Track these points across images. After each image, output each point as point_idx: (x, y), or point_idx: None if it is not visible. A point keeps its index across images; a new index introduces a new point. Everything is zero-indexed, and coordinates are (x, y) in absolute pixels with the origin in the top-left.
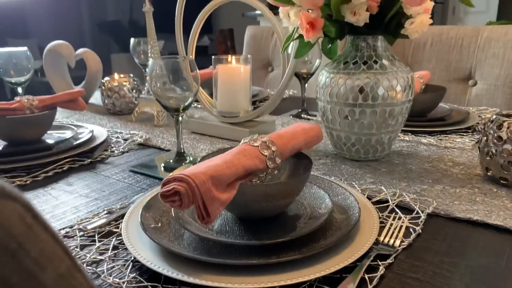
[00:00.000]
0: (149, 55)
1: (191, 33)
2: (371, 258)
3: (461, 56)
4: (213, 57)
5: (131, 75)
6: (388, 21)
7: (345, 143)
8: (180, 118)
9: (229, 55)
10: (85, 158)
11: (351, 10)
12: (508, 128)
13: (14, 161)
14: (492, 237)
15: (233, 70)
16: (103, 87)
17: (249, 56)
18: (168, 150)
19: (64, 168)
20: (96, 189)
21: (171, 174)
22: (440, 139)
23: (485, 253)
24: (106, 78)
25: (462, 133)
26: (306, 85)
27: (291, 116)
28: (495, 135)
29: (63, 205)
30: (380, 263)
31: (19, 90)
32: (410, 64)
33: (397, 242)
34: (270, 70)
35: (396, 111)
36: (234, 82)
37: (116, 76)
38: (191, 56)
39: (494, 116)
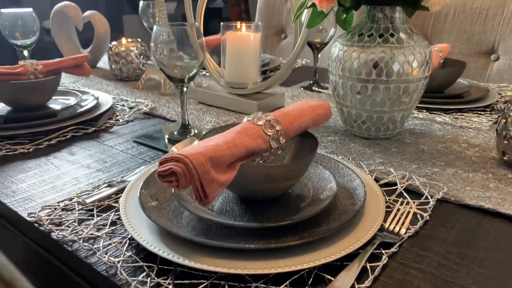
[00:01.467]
0: (156, 19)
1: (196, 14)
2: (375, 245)
3: (485, 28)
4: (221, 23)
5: (139, 39)
6: None
7: (356, 120)
8: (185, 89)
9: (239, 22)
10: (89, 126)
11: None
12: None
13: (17, 127)
14: (504, 227)
15: (243, 38)
16: (110, 52)
17: (259, 23)
18: (174, 121)
19: (68, 136)
20: (98, 160)
21: (170, 151)
22: (456, 118)
23: (495, 245)
24: (114, 43)
25: (479, 112)
26: (320, 55)
27: (302, 88)
28: None
29: (64, 175)
30: (383, 251)
31: (25, 53)
32: (430, 35)
33: (403, 230)
34: (283, 37)
35: (411, 88)
36: (243, 51)
37: (123, 40)
38: (197, 23)
39: None
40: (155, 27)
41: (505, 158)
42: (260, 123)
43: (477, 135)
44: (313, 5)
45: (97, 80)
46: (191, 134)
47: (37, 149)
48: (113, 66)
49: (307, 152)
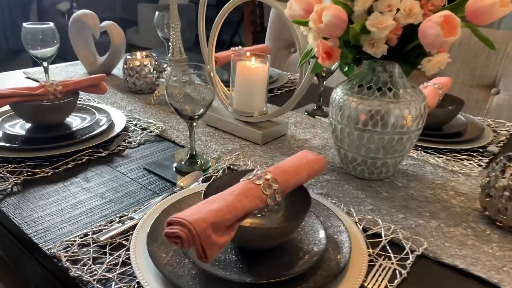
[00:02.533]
0: (168, 51)
1: (209, 43)
2: None
3: (488, 62)
4: (232, 55)
5: (153, 54)
6: (406, 52)
7: (351, 162)
8: (195, 124)
9: (249, 53)
10: (103, 149)
11: (369, 41)
12: (511, 175)
13: (36, 149)
14: None
15: (251, 71)
16: (125, 66)
17: (268, 56)
18: (183, 146)
19: (83, 160)
20: (111, 189)
21: (177, 185)
22: (448, 160)
23: None
24: (128, 57)
25: (472, 153)
26: (325, 82)
27: (305, 113)
28: (497, 180)
29: (80, 205)
30: None
31: (45, 64)
32: None
33: None
34: (293, 51)
35: (404, 139)
36: (251, 82)
37: (138, 55)
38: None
39: (500, 158)
40: (169, 69)
41: (486, 213)
42: (259, 182)
43: (465, 181)
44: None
45: (111, 93)
46: (197, 165)
47: (55, 173)
48: (127, 79)
49: (300, 210)
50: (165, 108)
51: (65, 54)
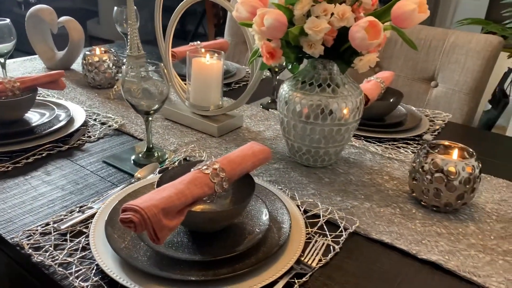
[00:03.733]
0: (127, 46)
1: (166, 39)
2: (290, 275)
3: (428, 57)
4: (187, 53)
5: (112, 49)
6: (342, 52)
7: (297, 151)
8: (151, 119)
9: (204, 50)
10: (63, 144)
11: (308, 43)
12: (432, 160)
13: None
14: (396, 260)
15: (206, 67)
16: (84, 61)
17: (222, 52)
18: (141, 140)
19: (43, 155)
20: (71, 181)
21: (135, 177)
22: (386, 148)
23: (384, 277)
24: (87, 52)
25: (410, 141)
26: (278, 76)
27: (261, 106)
28: (422, 164)
29: (41, 197)
30: (296, 281)
31: (1, 60)
32: (382, 59)
33: (315, 262)
34: None
35: (343, 130)
36: (206, 77)
37: (97, 50)
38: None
39: (425, 145)
40: (124, 67)
41: (413, 194)
42: (207, 171)
43: (400, 167)
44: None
45: (71, 88)
46: (155, 157)
47: (16, 167)
48: (87, 74)
49: (245, 194)
50: (123, 103)
51: (22, 46)
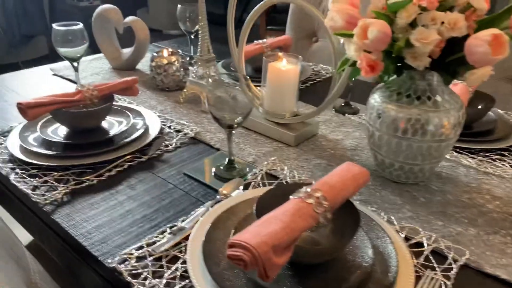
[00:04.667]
0: (191, 43)
1: (239, 48)
2: None
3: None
4: (264, 58)
5: (180, 51)
6: (447, 62)
7: (388, 167)
8: (234, 132)
9: (280, 54)
10: (142, 155)
11: (412, 54)
12: None
13: (81, 156)
14: None
15: (283, 72)
16: (153, 63)
17: (300, 57)
18: (217, 149)
19: (125, 167)
20: (156, 197)
21: (220, 193)
22: (480, 161)
23: None
24: (155, 54)
25: (504, 152)
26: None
27: (333, 110)
28: None
29: (129, 215)
30: None
31: (75, 64)
32: None
33: None
34: (315, 40)
35: (442, 146)
36: (282, 84)
37: (165, 52)
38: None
39: None
40: (210, 82)
41: None
42: (310, 201)
43: (500, 183)
44: (354, 64)
45: (140, 90)
46: (236, 170)
47: (100, 180)
48: (155, 77)
49: (347, 220)
50: (194, 108)
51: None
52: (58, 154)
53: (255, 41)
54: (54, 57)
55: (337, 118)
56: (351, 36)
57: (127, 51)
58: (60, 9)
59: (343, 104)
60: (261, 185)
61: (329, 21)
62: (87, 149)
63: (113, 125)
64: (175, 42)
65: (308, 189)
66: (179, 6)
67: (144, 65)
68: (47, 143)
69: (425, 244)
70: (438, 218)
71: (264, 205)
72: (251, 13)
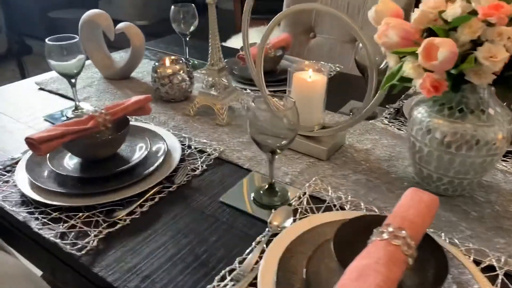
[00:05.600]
0: (209, 60)
1: (256, 66)
2: None
3: None
4: (288, 69)
5: (182, 59)
6: (506, 76)
7: (435, 181)
8: (276, 157)
9: (306, 64)
10: (169, 183)
11: (476, 72)
12: None
13: (107, 192)
14: None
15: (309, 84)
16: (156, 74)
17: (329, 65)
18: (248, 170)
19: (156, 200)
20: (199, 233)
21: (269, 225)
22: None
23: None
24: (157, 64)
25: None
26: None
27: (351, 114)
28: None
29: (178, 260)
30: None
31: (72, 80)
32: None
33: None
34: (312, 36)
35: (495, 159)
36: (309, 96)
37: (167, 61)
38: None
39: None
40: (252, 105)
41: None
42: (397, 243)
43: None
44: (403, 79)
45: None
46: (277, 196)
47: (133, 219)
48: (159, 88)
49: (427, 255)
50: (208, 121)
51: None
52: (82, 192)
53: (256, 43)
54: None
55: (358, 124)
56: (412, 53)
57: (119, 59)
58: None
59: (358, 108)
60: (308, 210)
61: (382, 37)
62: (110, 182)
63: (130, 150)
64: (162, 42)
65: (390, 228)
66: (172, 7)
67: (138, 72)
68: (62, 178)
69: (497, 268)
70: (497, 235)
71: (343, 241)
72: (271, 23)
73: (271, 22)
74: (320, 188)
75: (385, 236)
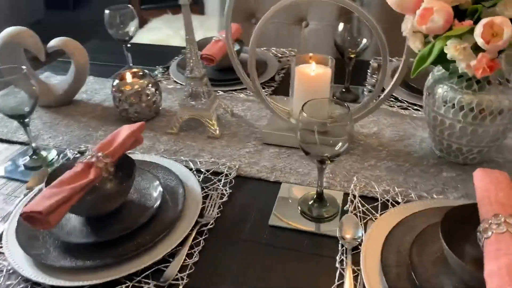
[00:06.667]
0: (188, 67)
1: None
2: None
3: None
4: (291, 63)
5: (146, 71)
6: None
7: (455, 151)
8: (324, 166)
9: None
10: (203, 220)
11: None
12: None
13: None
14: None
15: (312, 78)
16: (119, 94)
17: (332, 59)
18: (275, 182)
19: (199, 249)
20: (270, 269)
21: (341, 240)
22: None
23: None
24: (117, 81)
25: None
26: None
27: (334, 98)
28: None
29: None
30: None
31: (26, 120)
32: None
33: None
34: (254, 22)
35: None
36: (314, 89)
37: (128, 76)
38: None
39: None
40: (301, 117)
41: None
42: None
43: None
44: (434, 62)
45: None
46: (328, 206)
47: (189, 274)
48: (127, 109)
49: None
50: (197, 136)
51: None
52: (99, 263)
53: (213, 38)
54: None
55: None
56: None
57: (56, 83)
58: None
59: (343, 90)
60: (366, 212)
61: (427, 22)
62: (135, 239)
63: (138, 191)
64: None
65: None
66: (106, 11)
67: (81, 93)
68: (66, 247)
69: None
70: None
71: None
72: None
73: (262, 18)
74: (366, 186)
75: (503, 228)
